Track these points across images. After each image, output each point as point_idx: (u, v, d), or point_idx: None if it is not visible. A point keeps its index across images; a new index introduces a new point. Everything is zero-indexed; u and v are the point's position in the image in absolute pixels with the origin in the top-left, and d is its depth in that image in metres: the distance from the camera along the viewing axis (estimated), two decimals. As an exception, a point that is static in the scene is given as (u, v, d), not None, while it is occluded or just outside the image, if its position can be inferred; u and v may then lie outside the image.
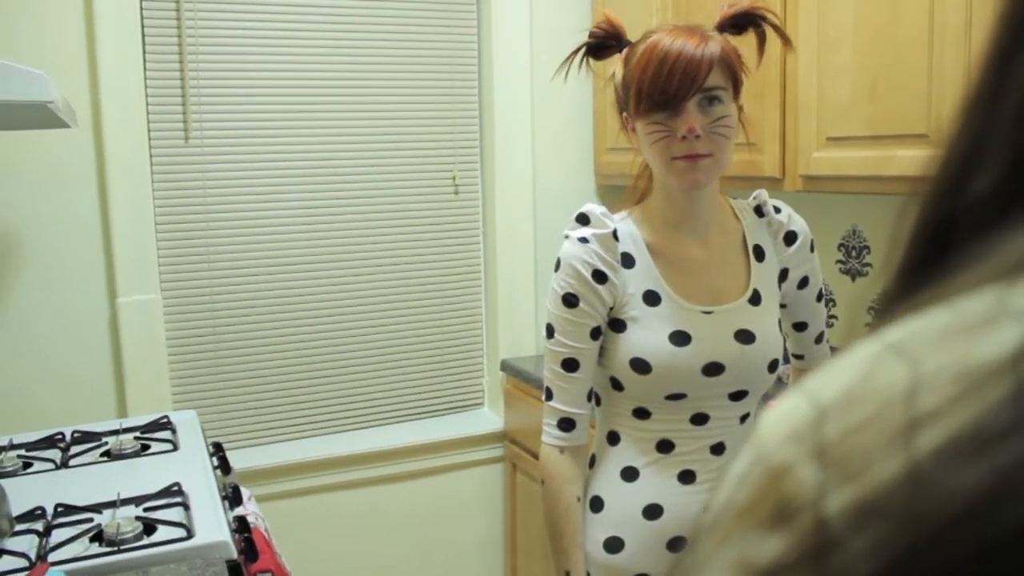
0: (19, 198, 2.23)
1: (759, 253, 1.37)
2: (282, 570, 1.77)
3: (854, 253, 2.25)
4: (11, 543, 1.42)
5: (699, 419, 1.30)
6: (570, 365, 1.31)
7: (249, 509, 1.84)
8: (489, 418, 2.86)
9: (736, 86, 1.26)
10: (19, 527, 1.47)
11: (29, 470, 1.82)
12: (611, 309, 1.30)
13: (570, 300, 1.29)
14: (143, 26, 2.32)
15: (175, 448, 1.91)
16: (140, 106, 2.31)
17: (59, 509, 1.55)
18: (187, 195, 2.44)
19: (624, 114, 1.31)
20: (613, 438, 1.35)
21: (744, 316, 1.31)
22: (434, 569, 2.77)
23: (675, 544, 1.29)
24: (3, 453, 1.88)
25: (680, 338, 1.27)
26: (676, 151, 1.22)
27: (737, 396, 1.31)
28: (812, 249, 1.43)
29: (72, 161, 2.27)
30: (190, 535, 1.44)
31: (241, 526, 1.61)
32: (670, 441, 1.30)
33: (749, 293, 1.33)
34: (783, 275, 1.40)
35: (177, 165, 2.42)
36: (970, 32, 1.53)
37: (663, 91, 1.20)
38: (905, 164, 1.68)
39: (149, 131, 2.35)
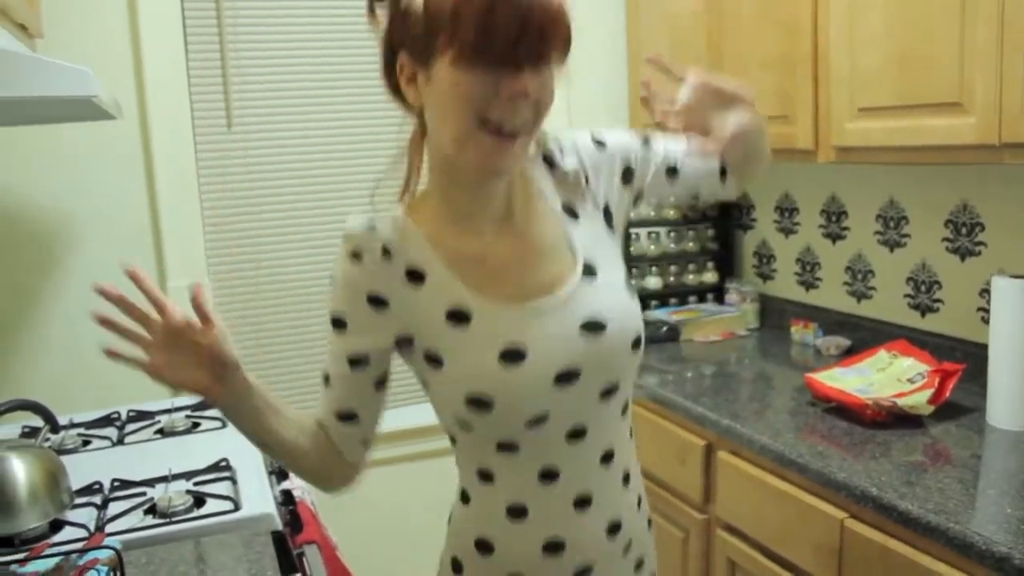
0: (72, 187, 2.32)
1: (571, 213, 1.11)
2: (327, 542, 1.84)
3: (892, 224, 2.23)
4: (72, 515, 1.51)
5: (577, 434, 1.05)
6: (326, 380, 1.08)
7: (295, 483, 1.91)
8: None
9: (566, 55, 0.99)
10: (79, 500, 1.56)
11: (88, 447, 1.91)
12: (412, 341, 1.04)
13: (339, 322, 1.06)
14: (184, 18, 2.38)
15: (224, 425, 1.99)
16: (183, 96, 2.38)
17: (115, 484, 1.63)
18: (231, 181, 2.51)
19: (401, 55, 0.97)
20: (485, 476, 1.07)
21: (584, 299, 1.04)
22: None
23: (584, 572, 1.09)
24: (64, 432, 1.98)
25: (512, 356, 0.99)
26: (493, 114, 0.92)
27: (608, 393, 1.06)
28: (595, 140, 1.16)
29: (120, 151, 2.35)
30: (237, 507, 1.51)
31: (287, 499, 1.68)
32: (553, 469, 1.05)
33: (579, 268, 1.06)
34: (607, 213, 1.15)
35: (220, 152, 2.49)
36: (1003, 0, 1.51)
37: (508, 39, 0.89)
38: (937, 134, 1.66)
39: (193, 120, 2.42)
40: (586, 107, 2.82)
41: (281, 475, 1.81)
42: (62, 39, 2.23)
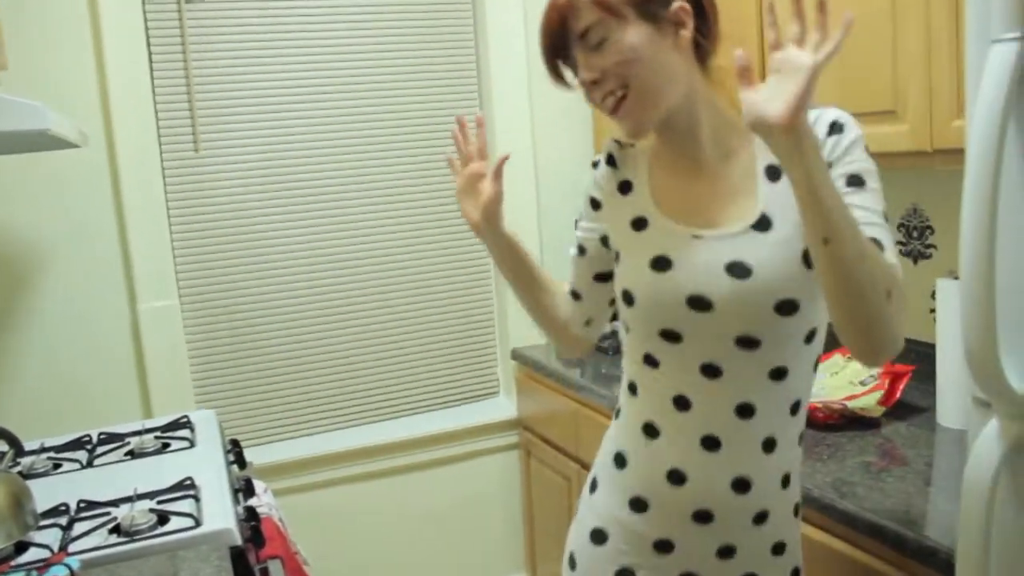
0: (42, 214, 2.36)
1: (773, 173, 1.16)
2: (293, 557, 1.87)
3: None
4: (38, 536, 1.53)
5: (710, 371, 1.16)
6: (580, 250, 1.36)
7: (263, 501, 1.95)
8: (504, 406, 2.94)
9: (613, 10, 1.10)
10: (45, 522, 1.58)
11: (58, 471, 1.94)
12: (607, 240, 1.29)
13: (580, 216, 1.37)
14: (149, 45, 2.43)
15: (192, 445, 2.02)
16: (150, 121, 2.42)
17: (81, 505, 1.66)
18: (200, 203, 2.55)
19: None
20: (632, 388, 1.26)
21: (743, 246, 1.13)
22: (455, 554, 2.86)
23: (701, 516, 1.19)
24: (35, 456, 2.00)
25: (661, 263, 1.16)
26: (593, 99, 1.18)
27: (746, 343, 1.14)
28: (855, 146, 1.14)
29: (88, 178, 2.39)
30: (198, 524, 1.54)
31: (250, 515, 1.71)
32: (685, 397, 1.18)
33: (755, 218, 1.14)
34: None
35: (188, 175, 2.53)
36: (929, 7, 1.55)
37: (547, 43, 1.18)
38: (874, 141, 1.70)
39: (160, 144, 2.46)
40: (550, 112, 2.87)
41: (247, 492, 1.84)
42: (27, 70, 2.27)
